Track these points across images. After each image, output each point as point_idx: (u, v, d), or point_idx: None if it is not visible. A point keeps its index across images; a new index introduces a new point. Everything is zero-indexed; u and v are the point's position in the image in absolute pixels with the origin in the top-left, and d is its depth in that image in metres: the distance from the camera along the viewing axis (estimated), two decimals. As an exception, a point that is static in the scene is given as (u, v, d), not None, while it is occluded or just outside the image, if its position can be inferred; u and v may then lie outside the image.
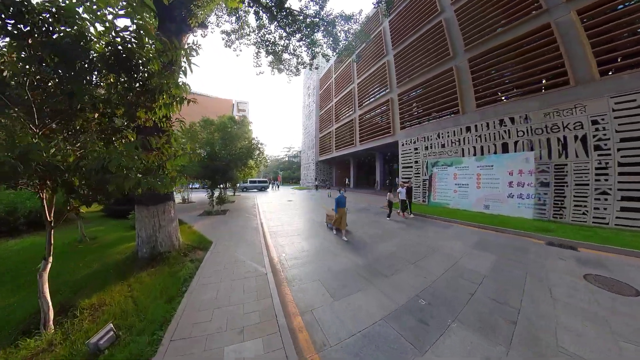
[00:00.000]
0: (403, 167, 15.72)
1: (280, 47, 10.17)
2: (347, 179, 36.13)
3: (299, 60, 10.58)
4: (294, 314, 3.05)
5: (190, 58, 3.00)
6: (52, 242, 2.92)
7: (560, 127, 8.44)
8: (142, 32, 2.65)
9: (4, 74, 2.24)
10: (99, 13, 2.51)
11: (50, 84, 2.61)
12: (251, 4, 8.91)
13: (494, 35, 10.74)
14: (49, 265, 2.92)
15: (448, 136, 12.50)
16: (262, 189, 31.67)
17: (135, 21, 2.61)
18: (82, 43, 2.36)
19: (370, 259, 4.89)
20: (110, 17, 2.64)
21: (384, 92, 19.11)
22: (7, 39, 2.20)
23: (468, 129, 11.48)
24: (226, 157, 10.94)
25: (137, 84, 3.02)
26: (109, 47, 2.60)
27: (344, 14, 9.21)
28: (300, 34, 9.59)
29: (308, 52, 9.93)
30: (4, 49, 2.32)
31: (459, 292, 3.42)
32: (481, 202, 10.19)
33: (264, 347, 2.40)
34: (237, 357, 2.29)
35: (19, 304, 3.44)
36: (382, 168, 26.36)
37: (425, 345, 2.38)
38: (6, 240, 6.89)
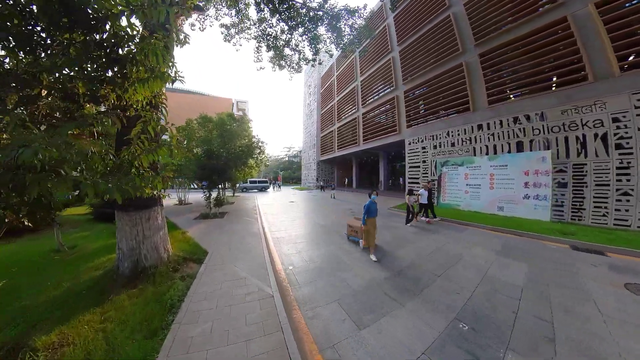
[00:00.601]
0: (410, 167, 15.49)
1: (282, 41, 9.95)
2: (346, 179, 35.90)
3: (301, 56, 10.35)
4: (312, 353, 2.49)
5: (182, 23, 2.40)
6: None
7: (578, 125, 8.22)
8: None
9: None
10: None
11: None
12: (253, -5, 8.68)
13: (507, 29, 10.52)
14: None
15: (458, 134, 12.27)
16: (263, 189, 31.44)
17: None
18: None
19: (390, 271, 4.42)
20: None
21: (388, 90, 18.89)
22: None
23: (480, 126, 11.25)
24: (224, 156, 10.63)
25: (100, 50, 2.31)
26: None
27: (348, 7, 8.98)
28: (302, 28, 9.37)
29: (311, 48, 9.70)
30: None
31: (501, 311, 3.09)
32: (494, 203, 9.94)
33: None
34: None
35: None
36: (385, 168, 26.14)
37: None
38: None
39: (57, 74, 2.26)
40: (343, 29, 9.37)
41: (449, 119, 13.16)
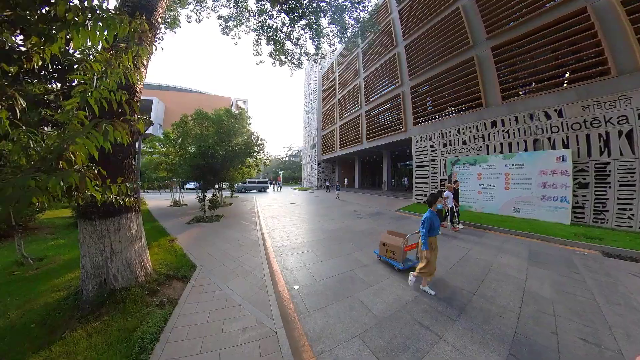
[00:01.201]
0: (417, 166, 15.15)
1: (282, 34, 9.62)
2: (346, 179, 35.56)
3: (303, 50, 10.02)
4: None
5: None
6: None
7: (601, 122, 7.89)
8: None
9: None
10: None
11: None
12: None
13: (522, 21, 10.19)
14: None
15: (470, 132, 11.94)
16: (262, 189, 31.10)
17: None
18: None
19: (415, 288, 3.81)
20: None
21: (393, 86, 18.57)
22: None
23: (493, 123, 10.92)
24: (221, 154, 10.20)
25: None
26: None
27: (352, -1, 8.65)
28: (304, 20, 9.03)
29: (313, 42, 9.37)
30: None
31: (563, 337, 2.61)
32: (510, 205, 9.60)
33: None
34: None
35: None
36: (389, 167, 25.81)
37: None
38: None
39: None
40: (347, 22, 9.06)
41: (459, 116, 12.83)
